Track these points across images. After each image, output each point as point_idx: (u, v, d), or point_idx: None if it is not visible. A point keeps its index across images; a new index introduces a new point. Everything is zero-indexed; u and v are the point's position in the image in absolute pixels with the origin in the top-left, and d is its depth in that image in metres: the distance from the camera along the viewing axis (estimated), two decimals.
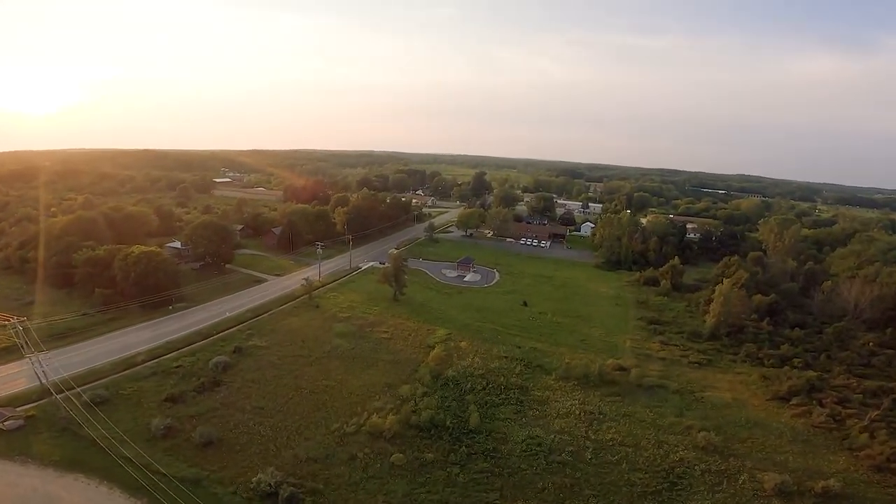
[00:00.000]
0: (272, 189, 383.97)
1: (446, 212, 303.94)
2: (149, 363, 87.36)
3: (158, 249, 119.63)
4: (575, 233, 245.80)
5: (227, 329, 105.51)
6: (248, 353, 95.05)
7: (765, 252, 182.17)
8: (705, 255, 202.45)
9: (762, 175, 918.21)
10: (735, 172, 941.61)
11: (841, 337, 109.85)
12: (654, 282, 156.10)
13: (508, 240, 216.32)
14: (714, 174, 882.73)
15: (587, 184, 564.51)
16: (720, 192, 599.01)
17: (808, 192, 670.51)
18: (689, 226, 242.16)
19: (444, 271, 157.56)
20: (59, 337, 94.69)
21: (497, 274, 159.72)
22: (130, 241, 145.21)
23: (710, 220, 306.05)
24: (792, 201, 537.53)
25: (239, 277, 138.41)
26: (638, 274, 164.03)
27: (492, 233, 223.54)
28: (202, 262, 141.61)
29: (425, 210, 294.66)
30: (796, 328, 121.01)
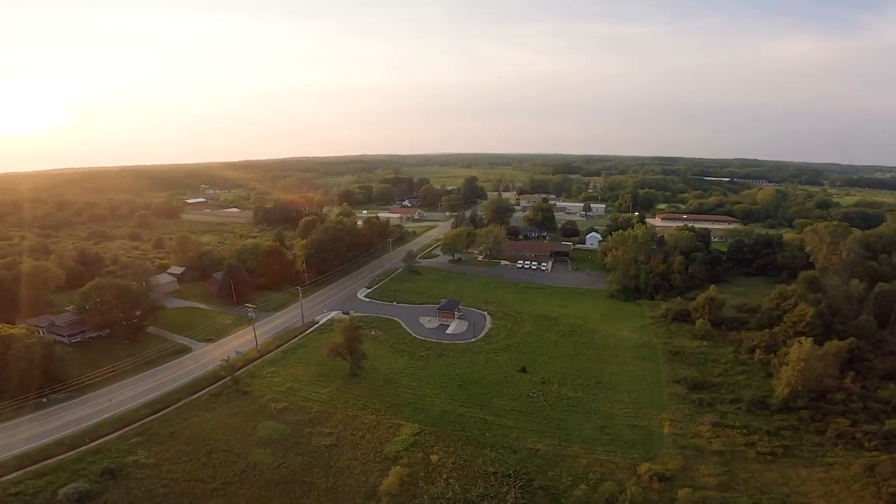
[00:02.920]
0: (247, 208, 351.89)
1: (434, 226, 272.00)
2: None
3: (23, 331, 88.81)
4: (580, 246, 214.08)
5: (108, 434, 77.95)
6: (124, 474, 68.38)
7: (812, 265, 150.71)
8: (737, 266, 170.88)
9: (760, 158, 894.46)
10: (733, 157, 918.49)
11: None
12: (684, 316, 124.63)
13: (503, 263, 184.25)
14: (713, 159, 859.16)
15: (586, 179, 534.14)
16: (724, 179, 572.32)
17: (813, 175, 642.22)
18: (711, 227, 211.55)
19: (422, 320, 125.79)
20: None
21: (488, 319, 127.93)
22: (27, 305, 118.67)
23: (728, 220, 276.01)
24: (800, 186, 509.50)
25: (155, 349, 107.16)
26: (663, 305, 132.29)
27: (483, 255, 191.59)
28: (107, 331, 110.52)
29: (409, 227, 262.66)
30: (888, 380, 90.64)
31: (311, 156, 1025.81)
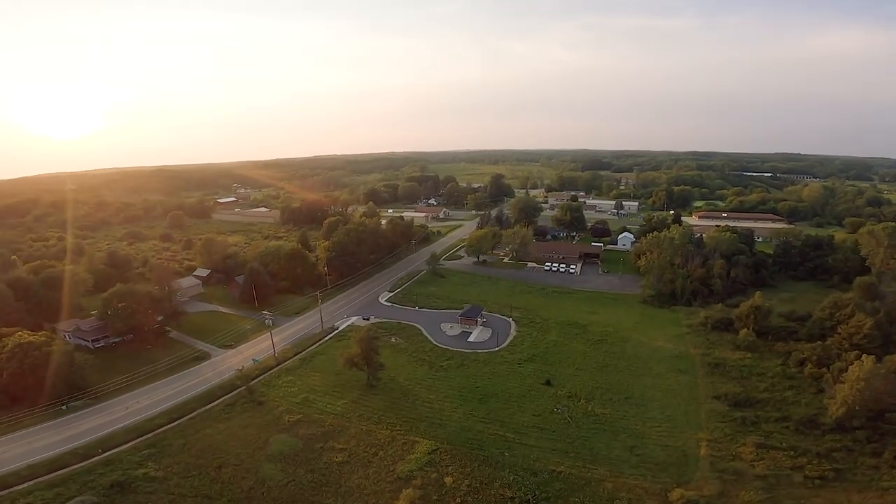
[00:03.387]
0: (276, 207, 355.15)
1: (460, 225, 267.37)
2: None
3: (44, 338, 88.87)
4: (611, 246, 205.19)
5: (121, 445, 77.05)
6: (132, 488, 67.20)
7: (868, 269, 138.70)
8: (783, 270, 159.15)
9: (803, 152, 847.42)
10: (774, 151, 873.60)
11: None
12: (726, 325, 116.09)
13: (530, 265, 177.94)
14: (753, 154, 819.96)
15: (617, 176, 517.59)
16: (766, 174, 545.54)
17: (861, 169, 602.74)
18: (754, 227, 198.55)
19: (443, 327, 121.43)
20: None
21: (513, 325, 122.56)
22: (56, 309, 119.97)
23: (772, 218, 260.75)
24: (848, 182, 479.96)
25: (175, 355, 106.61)
26: (702, 313, 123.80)
27: (509, 257, 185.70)
28: (130, 336, 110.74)
29: (434, 227, 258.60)
30: None
31: (339, 154, 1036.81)
